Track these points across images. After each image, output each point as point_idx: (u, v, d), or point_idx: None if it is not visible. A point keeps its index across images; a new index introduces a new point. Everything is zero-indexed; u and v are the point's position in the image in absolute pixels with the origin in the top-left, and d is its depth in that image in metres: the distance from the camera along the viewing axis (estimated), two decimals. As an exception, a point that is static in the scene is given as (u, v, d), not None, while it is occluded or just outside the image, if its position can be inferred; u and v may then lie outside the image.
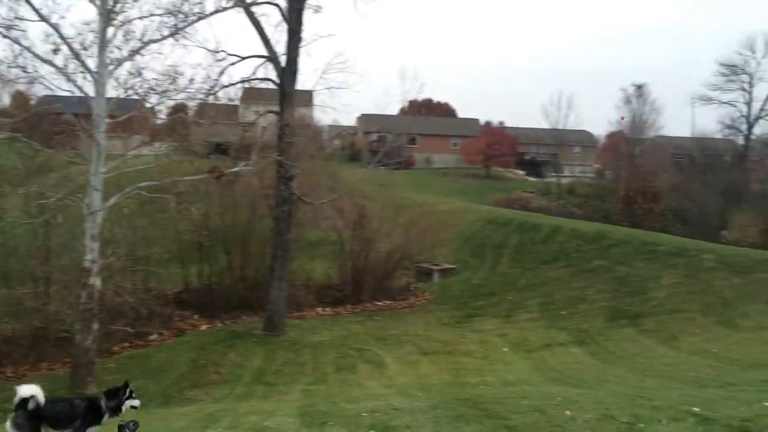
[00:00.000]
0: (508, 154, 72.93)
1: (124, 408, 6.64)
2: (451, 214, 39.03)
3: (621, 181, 57.66)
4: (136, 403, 6.78)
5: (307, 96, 23.18)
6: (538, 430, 6.95)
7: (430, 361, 17.28)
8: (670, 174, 60.03)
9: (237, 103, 28.50)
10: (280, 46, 19.33)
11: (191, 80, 15.90)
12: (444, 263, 30.34)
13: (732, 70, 70.95)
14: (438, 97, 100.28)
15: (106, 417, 6.56)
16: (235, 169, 18.00)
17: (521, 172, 78.42)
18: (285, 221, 20.15)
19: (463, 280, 28.02)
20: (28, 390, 6.17)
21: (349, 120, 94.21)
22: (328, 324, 22.43)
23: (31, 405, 6.14)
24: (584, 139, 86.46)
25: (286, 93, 19.60)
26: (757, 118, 70.50)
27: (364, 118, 79.45)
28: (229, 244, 23.41)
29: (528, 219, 35.59)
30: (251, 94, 26.40)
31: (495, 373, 15.54)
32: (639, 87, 67.87)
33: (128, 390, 6.66)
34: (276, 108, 20.17)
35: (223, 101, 19.59)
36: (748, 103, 70.52)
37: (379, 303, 25.54)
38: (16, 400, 6.14)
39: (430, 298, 26.36)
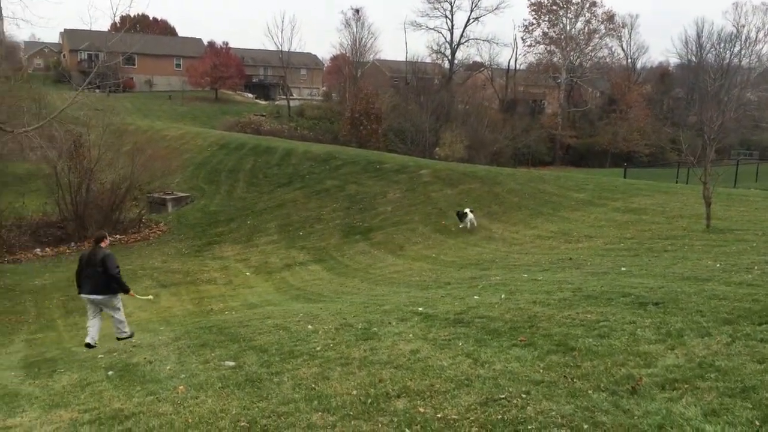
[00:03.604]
0: (235, 76, 71.09)
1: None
2: (181, 140, 37.47)
3: (346, 104, 60.29)
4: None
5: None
6: (282, 347, 7.27)
7: (170, 294, 16.87)
8: (390, 96, 64.41)
9: None
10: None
11: None
12: (178, 192, 29.20)
13: (435, -2, 76.89)
14: (154, 13, 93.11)
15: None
16: None
17: (250, 95, 77.46)
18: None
19: (200, 208, 27.34)
20: (468, 208, 19.18)
21: (51, 36, 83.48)
22: (51, 266, 20.78)
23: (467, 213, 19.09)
24: (309, 61, 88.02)
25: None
26: (458, 44, 78.38)
27: (70, 34, 71.09)
28: None
29: (261, 142, 35.61)
30: None
31: (239, 297, 15.75)
32: (357, 11, 70.41)
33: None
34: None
35: None
36: (451, 30, 77.89)
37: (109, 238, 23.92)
38: (467, 211, 18.83)
39: (165, 229, 25.33)
